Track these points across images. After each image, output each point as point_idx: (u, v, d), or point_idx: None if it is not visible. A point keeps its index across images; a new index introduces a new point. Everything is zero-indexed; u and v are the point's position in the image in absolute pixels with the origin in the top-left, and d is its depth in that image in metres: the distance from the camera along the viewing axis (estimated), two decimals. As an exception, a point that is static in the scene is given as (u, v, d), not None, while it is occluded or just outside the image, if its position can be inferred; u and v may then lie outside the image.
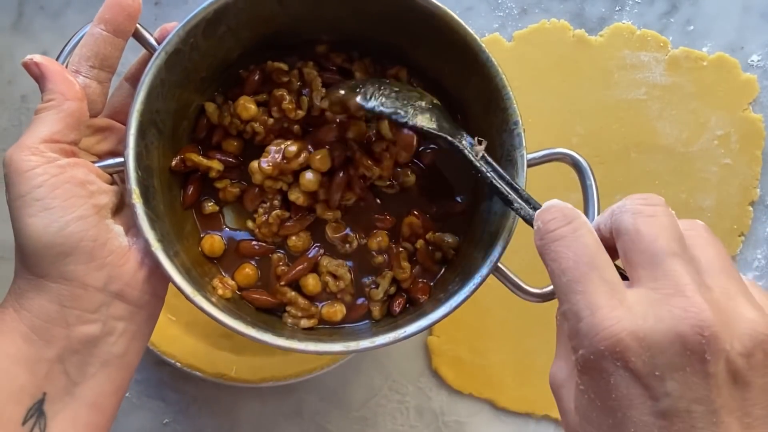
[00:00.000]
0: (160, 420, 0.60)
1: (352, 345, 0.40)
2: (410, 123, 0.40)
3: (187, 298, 0.41)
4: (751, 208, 0.59)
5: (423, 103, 0.42)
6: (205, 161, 0.45)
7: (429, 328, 0.41)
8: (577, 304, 0.29)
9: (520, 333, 0.59)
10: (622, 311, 0.28)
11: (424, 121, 0.41)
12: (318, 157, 0.44)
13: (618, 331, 0.27)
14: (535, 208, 0.37)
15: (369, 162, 0.44)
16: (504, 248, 0.41)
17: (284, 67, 0.46)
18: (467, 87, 0.44)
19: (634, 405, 0.27)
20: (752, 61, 0.59)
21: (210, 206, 0.47)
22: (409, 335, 0.40)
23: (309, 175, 0.44)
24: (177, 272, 0.40)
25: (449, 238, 0.46)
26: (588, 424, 0.29)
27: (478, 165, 0.39)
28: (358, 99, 0.41)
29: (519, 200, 0.38)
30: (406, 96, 0.42)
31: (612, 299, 0.28)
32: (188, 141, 0.47)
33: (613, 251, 0.31)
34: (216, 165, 0.45)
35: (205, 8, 0.41)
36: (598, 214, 0.39)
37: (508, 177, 0.39)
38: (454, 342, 0.59)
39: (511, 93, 0.42)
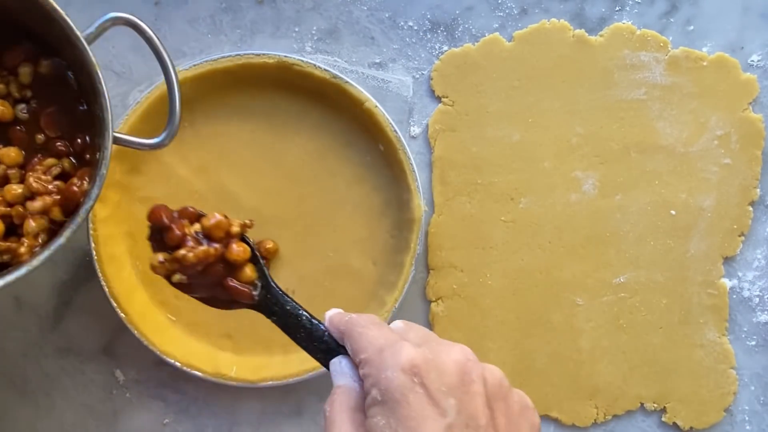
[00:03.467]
0: (160, 420, 0.60)
1: None
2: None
3: None
4: (751, 208, 0.59)
5: None
6: None
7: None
8: (384, 350, 0.36)
9: (520, 333, 0.59)
10: (415, 348, 0.35)
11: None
12: None
13: (415, 357, 0.34)
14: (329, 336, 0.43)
15: None
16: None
17: None
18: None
19: (428, 420, 0.33)
20: (752, 61, 0.59)
21: None
22: None
23: None
24: None
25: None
26: None
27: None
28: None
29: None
30: None
31: (408, 344, 0.35)
32: None
33: None
34: None
35: None
36: (172, 67, 0.48)
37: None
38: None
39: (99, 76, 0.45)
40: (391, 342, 0.36)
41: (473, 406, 0.34)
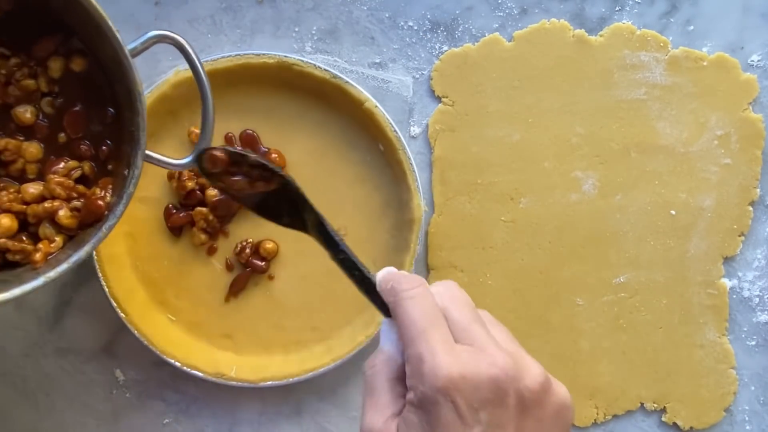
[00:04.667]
0: (160, 420, 0.60)
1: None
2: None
3: None
4: (751, 208, 0.59)
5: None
6: None
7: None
8: (422, 349, 0.37)
9: (520, 333, 0.59)
10: (454, 359, 0.36)
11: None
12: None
13: (452, 373, 0.36)
14: (365, 275, 0.43)
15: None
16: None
17: None
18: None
19: (454, 430, 0.35)
20: (752, 61, 0.59)
21: None
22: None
23: None
24: None
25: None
26: None
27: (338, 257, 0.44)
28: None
29: (366, 273, 0.42)
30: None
31: (447, 349, 0.37)
32: None
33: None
34: None
35: None
36: (209, 90, 0.47)
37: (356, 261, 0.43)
38: (454, 342, 0.59)
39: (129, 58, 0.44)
40: (429, 334, 0.37)
41: (503, 419, 0.36)
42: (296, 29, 0.59)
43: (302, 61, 0.56)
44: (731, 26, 0.59)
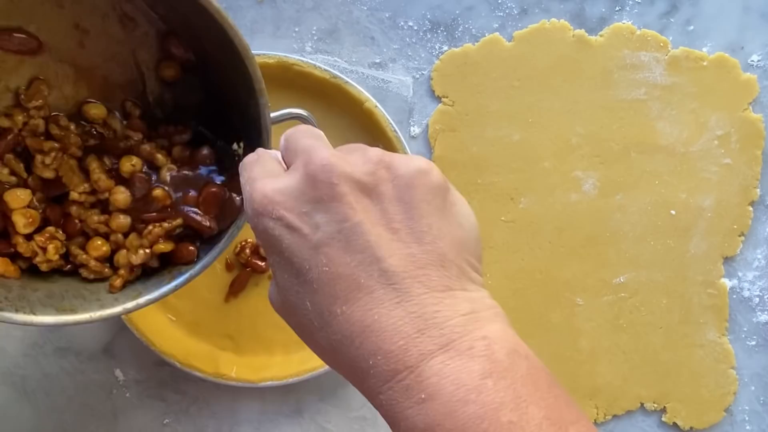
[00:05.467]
0: (161, 420, 0.60)
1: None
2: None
3: None
4: (751, 208, 0.59)
5: None
6: None
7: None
8: (245, 187, 0.35)
9: (520, 333, 0.59)
10: (269, 182, 0.34)
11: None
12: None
13: (263, 190, 0.33)
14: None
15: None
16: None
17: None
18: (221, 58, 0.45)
19: (298, 246, 0.33)
20: (752, 61, 0.59)
21: None
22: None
23: None
24: None
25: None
26: (286, 291, 0.34)
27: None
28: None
29: None
30: None
31: (267, 178, 0.35)
32: None
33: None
34: None
35: None
36: None
37: None
38: (454, 342, 0.59)
39: (257, 70, 0.44)
40: (250, 179, 0.35)
41: (341, 210, 0.32)
42: (296, 29, 0.59)
43: (302, 61, 0.56)
44: (731, 26, 0.59)
